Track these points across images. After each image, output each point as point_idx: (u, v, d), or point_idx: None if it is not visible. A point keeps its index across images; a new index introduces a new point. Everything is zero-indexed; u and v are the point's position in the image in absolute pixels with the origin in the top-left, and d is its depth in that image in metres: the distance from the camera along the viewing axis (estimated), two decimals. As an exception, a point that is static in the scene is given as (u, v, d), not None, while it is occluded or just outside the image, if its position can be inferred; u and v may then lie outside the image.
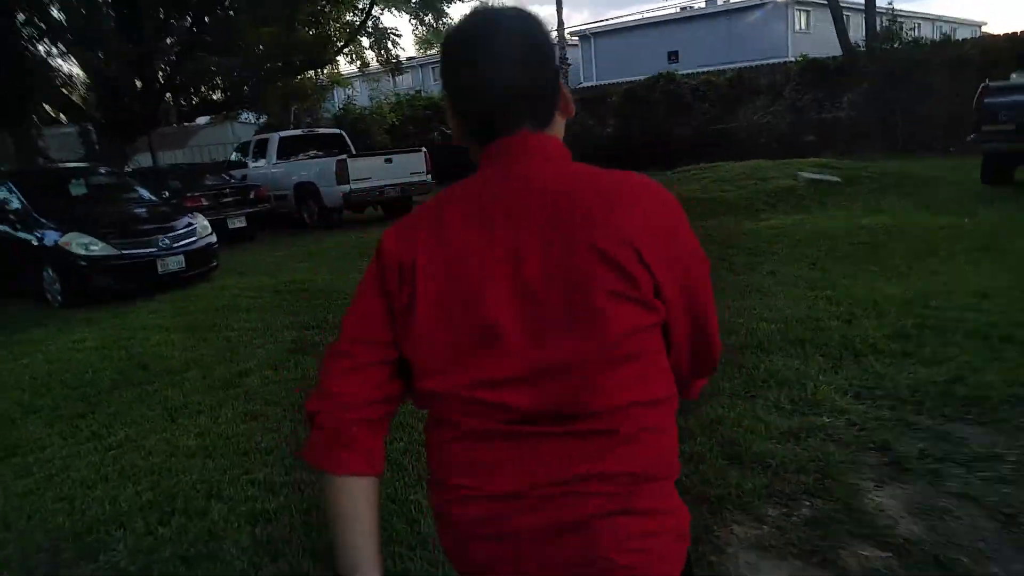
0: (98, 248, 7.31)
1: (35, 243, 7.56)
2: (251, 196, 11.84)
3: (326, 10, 17.94)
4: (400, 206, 12.60)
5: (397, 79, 24.61)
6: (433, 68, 42.03)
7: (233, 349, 5.43)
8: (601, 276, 0.94)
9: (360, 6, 19.10)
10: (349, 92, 23.21)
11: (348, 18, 19.99)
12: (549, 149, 1.04)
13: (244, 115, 21.19)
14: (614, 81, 22.66)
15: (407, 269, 1.01)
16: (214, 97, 24.41)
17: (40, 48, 17.24)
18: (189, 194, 11.03)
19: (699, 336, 1.07)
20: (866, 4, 17.26)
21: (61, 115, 22.54)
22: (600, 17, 35.02)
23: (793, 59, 19.21)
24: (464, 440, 1.01)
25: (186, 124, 21.37)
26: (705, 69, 20.43)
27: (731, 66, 20.17)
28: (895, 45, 16.63)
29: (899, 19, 17.80)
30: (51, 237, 7.43)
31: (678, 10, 35.60)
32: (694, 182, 11.08)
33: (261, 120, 19.82)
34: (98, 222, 7.67)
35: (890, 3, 18.47)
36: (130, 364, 5.19)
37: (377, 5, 23.36)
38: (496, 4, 1.29)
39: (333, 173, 12.25)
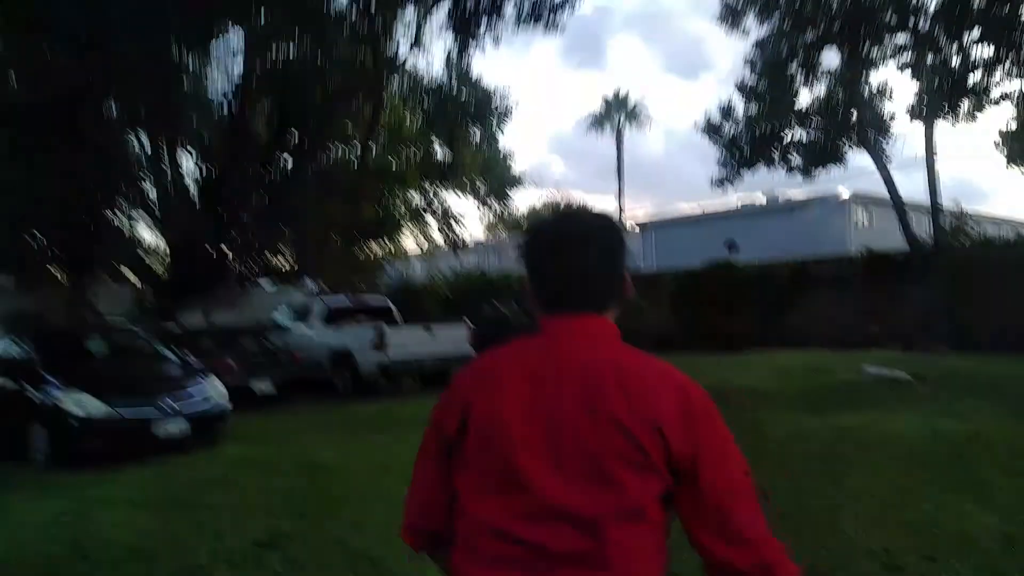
0: (93, 407, 6.88)
1: (34, 400, 7.16)
2: (283, 360, 11.53)
3: (391, 189, 18.80)
4: (440, 379, 12.07)
5: (461, 257, 25.27)
6: (494, 250, 43.60)
7: (196, 535, 4.70)
8: (620, 446, 1.16)
9: (426, 186, 19.99)
10: (408, 267, 23.79)
11: (412, 198, 20.97)
12: (600, 332, 1.28)
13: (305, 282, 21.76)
14: (678, 266, 22.49)
15: (464, 412, 1.26)
16: (276, 263, 25.29)
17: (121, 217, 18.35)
18: (218, 356, 10.78)
19: (718, 514, 1.19)
20: (931, 202, 16.99)
21: (133, 275, 23.47)
22: (661, 209, 36.47)
23: (856, 252, 18.82)
24: (490, 565, 1.20)
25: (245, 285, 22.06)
26: (764, 260, 20.15)
27: (787, 258, 19.86)
28: (965, 244, 16.19)
29: (967, 217, 17.45)
30: (51, 394, 7.06)
31: (739, 206, 36.33)
32: (750, 370, 10.26)
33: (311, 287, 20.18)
34: (102, 380, 7.32)
35: (956, 201, 18.20)
36: (72, 551, 4.50)
37: (444, 189, 24.55)
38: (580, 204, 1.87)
39: (370, 341, 11.94)
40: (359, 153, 17.75)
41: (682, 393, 1.20)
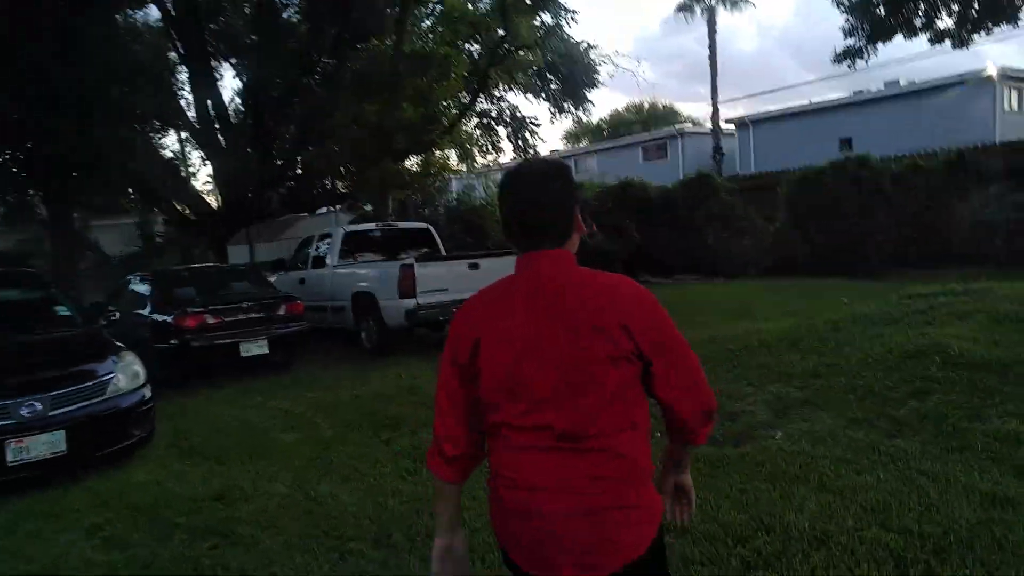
0: None
1: None
2: (280, 312, 8.75)
3: (435, 85, 15.40)
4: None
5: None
6: (576, 160, 39.74)
7: None
8: (599, 345, 1.50)
9: (475, 86, 16.41)
10: (469, 182, 20.52)
11: (467, 101, 17.57)
12: (565, 259, 1.61)
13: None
14: (781, 168, 18.49)
15: (474, 344, 1.60)
16: (328, 187, 22.80)
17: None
18: (190, 310, 8.10)
19: (680, 374, 1.60)
20: None
21: (187, 210, 21.71)
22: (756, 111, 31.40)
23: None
24: (512, 450, 1.58)
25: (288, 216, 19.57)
26: (902, 153, 15.94)
27: (938, 148, 15.56)
28: None
29: None
30: None
31: (851, 94, 31.00)
32: (927, 315, 6.68)
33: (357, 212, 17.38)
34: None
35: None
36: None
37: (511, 90, 20.92)
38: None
39: (396, 282, 9.01)
40: (394, 36, 14.44)
41: (639, 299, 1.57)
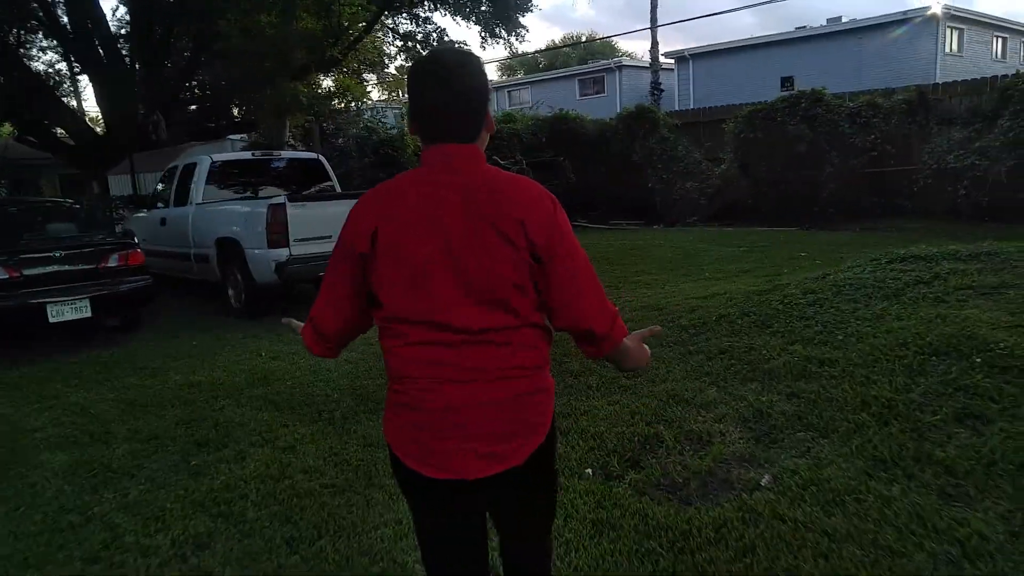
0: None
1: None
2: (110, 264, 6.73)
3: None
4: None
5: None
6: (509, 92, 37.42)
7: None
8: (496, 241, 1.46)
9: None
10: (379, 110, 18.21)
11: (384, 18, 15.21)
12: (474, 156, 1.54)
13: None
14: (726, 104, 16.97)
15: (373, 233, 1.50)
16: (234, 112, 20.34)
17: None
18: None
19: (568, 287, 1.53)
20: None
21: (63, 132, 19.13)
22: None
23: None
24: (415, 346, 1.51)
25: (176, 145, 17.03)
26: (861, 90, 14.58)
27: (898, 85, 14.26)
28: None
29: None
30: None
31: (792, 29, 29.66)
32: (933, 288, 5.25)
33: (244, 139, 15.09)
34: None
35: None
36: None
37: (439, 9, 18.60)
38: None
39: (264, 225, 7.10)
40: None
41: (539, 197, 1.52)
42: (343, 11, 13.18)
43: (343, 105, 14.99)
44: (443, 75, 1.50)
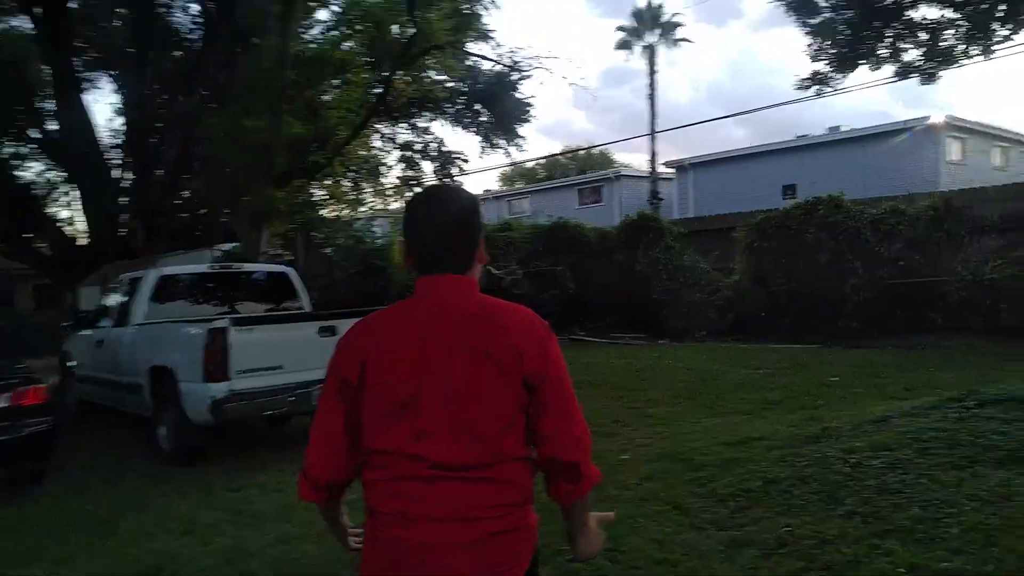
0: None
1: None
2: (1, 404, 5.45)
3: (327, 96, 12.34)
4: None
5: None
6: (510, 202, 37.19)
7: None
8: (491, 372, 1.43)
9: (379, 91, 13.33)
10: (366, 222, 17.36)
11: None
12: (468, 287, 1.54)
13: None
14: (736, 211, 16.16)
15: (361, 365, 1.47)
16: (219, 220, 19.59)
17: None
18: None
19: (559, 414, 1.49)
20: None
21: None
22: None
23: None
24: (396, 481, 1.45)
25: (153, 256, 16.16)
26: (878, 196, 13.75)
27: (925, 191, 13.42)
28: None
29: None
30: None
31: (795, 137, 29.67)
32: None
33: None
34: None
35: None
36: None
37: (437, 119, 18.07)
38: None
39: (200, 353, 5.88)
40: (279, 32, 11.44)
41: (532, 326, 1.50)
42: (331, 114, 12.48)
43: (334, 214, 14.15)
44: (435, 211, 1.55)
